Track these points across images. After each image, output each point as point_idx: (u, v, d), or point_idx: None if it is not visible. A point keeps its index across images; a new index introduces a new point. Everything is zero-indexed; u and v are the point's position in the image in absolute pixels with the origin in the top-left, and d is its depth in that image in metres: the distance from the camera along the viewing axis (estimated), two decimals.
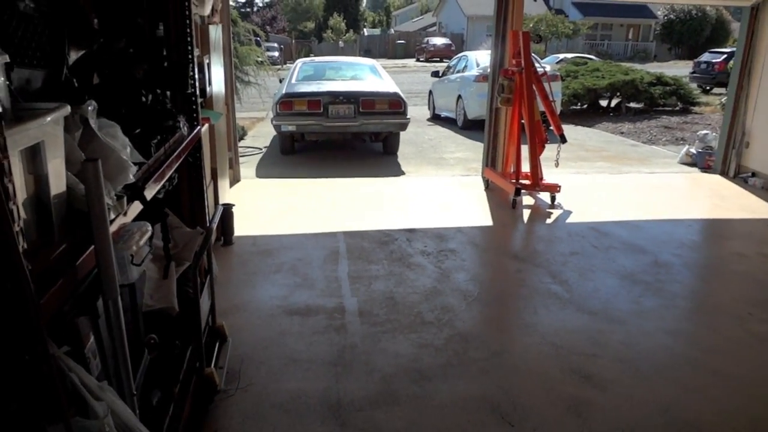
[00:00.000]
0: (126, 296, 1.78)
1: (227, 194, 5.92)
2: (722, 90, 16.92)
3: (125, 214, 1.67)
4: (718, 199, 6.77)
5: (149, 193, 1.92)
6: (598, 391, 3.02)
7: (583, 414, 2.83)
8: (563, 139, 6.30)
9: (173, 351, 2.21)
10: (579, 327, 3.67)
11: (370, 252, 4.89)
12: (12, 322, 1.04)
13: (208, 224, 2.85)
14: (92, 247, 1.39)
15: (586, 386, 3.06)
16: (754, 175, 7.36)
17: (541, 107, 6.26)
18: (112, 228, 1.51)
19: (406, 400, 2.91)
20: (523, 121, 6.31)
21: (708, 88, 19.42)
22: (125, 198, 1.66)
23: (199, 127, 3.05)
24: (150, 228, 1.72)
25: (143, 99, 2.21)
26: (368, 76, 10.02)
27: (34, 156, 1.26)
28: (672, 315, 3.92)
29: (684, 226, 5.77)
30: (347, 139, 9.72)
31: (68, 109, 1.38)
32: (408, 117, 8.57)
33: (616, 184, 7.38)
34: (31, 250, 1.17)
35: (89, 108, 1.60)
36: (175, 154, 2.40)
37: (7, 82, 1.29)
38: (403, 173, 8.18)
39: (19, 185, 1.18)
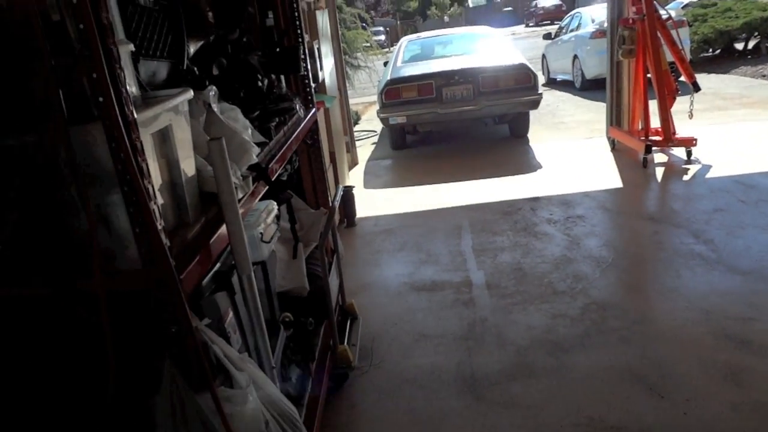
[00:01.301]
0: (259, 274, 1.83)
1: (346, 177, 6.02)
2: None
3: (252, 194, 1.71)
4: None
5: (273, 174, 1.96)
6: (758, 357, 2.73)
7: (743, 383, 2.57)
8: (696, 88, 5.76)
9: (307, 329, 2.26)
10: (730, 289, 3.35)
11: (493, 224, 4.76)
12: (157, 296, 1.08)
13: (332, 204, 2.88)
14: (224, 225, 1.42)
15: (744, 353, 2.78)
16: None
17: (669, 56, 5.76)
18: (241, 207, 1.54)
19: (543, 373, 2.79)
20: (648, 74, 5.83)
21: None
22: (250, 178, 1.70)
23: (314, 110, 3.09)
24: (275, 206, 1.75)
25: (259, 84, 2.26)
26: (485, 47, 8.38)
27: (164, 140, 1.30)
28: None
29: None
30: (466, 126, 8.51)
31: (191, 93, 1.42)
32: (540, 92, 6.99)
33: (761, 133, 6.65)
34: (168, 229, 1.21)
35: (210, 93, 1.64)
36: (294, 135, 2.44)
37: (135, 72, 1.34)
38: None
39: (153, 169, 1.22)
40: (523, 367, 2.86)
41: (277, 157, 2.06)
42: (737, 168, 5.37)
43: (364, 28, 11.54)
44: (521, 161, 6.71)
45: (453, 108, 6.86)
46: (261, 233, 1.61)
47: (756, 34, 12.36)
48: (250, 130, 1.79)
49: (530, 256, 4.09)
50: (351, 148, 7.21)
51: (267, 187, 1.85)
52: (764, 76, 10.44)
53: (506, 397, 2.66)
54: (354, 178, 6.66)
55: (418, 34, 9.90)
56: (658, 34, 5.57)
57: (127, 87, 1.08)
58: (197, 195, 1.44)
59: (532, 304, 3.44)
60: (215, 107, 1.66)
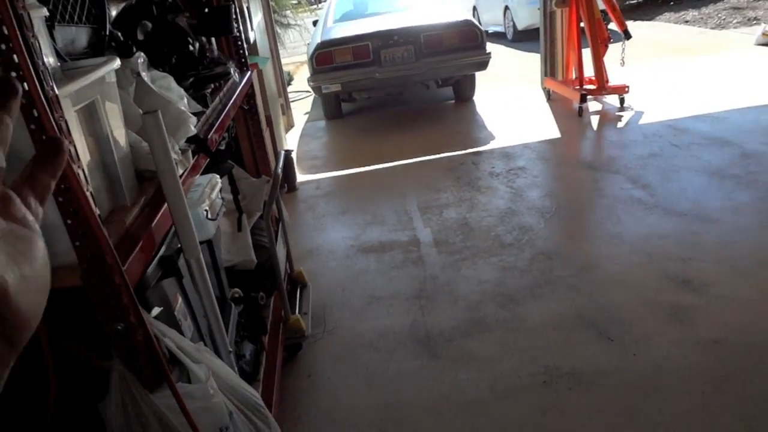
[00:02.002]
0: (206, 253, 1.73)
1: (284, 141, 5.86)
2: None
3: (193, 168, 1.60)
4: None
5: (213, 144, 1.84)
6: (698, 295, 2.85)
7: (685, 320, 2.68)
8: (627, 35, 5.84)
9: (258, 302, 2.18)
10: (669, 231, 3.46)
11: (436, 180, 4.75)
12: (100, 292, 0.98)
13: (273, 170, 2.77)
14: (165, 206, 1.31)
15: (685, 292, 2.89)
16: None
17: (600, 4, 5.80)
18: (182, 184, 1.43)
19: (497, 326, 2.83)
20: (581, 23, 5.87)
21: None
22: (190, 151, 1.58)
23: (249, 73, 2.95)
24: (219, 180, 1.64)
25: (191, 48, 2.11)
26: (424, 2, 7.62)
27: (91, 116, 1.18)
28: None
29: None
30: (407, 90, 7.65)
31: (118, 62, 1.29)
32: (488, 51, 6.35)
33: (689, 77, 6.86)
34: (104, 216, 1.10)
35: (139, 60, 1.51)
36: (232, 101, 2.31)
37: (51, 41, 1.20)
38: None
39: (82, 149, 1.10)
40: (477, 321, 2.88)
41: (215, 126, 1.94)
42: (668, 113, 5.53)
43: None
44: (461, 117, 6.70)
45: (393, 72, 6.16)
46: (206, 210, 1.51)
47: None
48: (185, 99, 1.66)
49: (475, 211, 4.11)
50: (286, 110, 7.01)
51: (208, 159, 1.73)
52: (687, 21, 10.75)
53: (462, 353, 2.68)
54: (292, 141, 6.50)
55: None
56: None
57: (44, 58, 0.96)
58: (133, 174, 1.32)
59: (480, 258, 3.46)
60: (145, 76, 1.52)
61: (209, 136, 1.81)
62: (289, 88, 9.30)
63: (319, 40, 6.37)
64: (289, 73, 10.51)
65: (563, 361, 2.53)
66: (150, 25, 2.05)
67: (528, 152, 5.09)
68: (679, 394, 2.28)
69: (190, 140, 1.62)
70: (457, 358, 2.65)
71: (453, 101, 7.42)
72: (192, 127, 1.59)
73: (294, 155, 5.20)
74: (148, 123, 1.20)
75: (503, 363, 2.58)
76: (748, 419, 2.11)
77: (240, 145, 3.05)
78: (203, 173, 1.76)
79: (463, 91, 7.21)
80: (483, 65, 6.40)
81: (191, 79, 1.94)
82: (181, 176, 1.46)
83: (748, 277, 2.94)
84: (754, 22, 9.61)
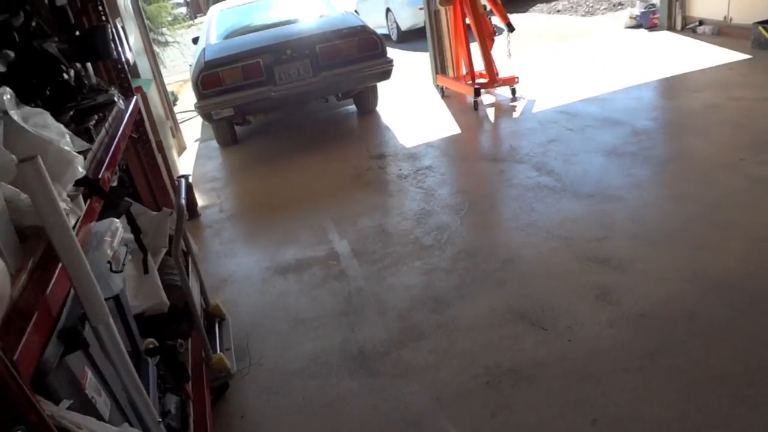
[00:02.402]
0: (113, 309, 1.52)
1: (178, 165, 5.53)
2: None
3: (87, 215, 1.39)
4: (673, 54, 6.64)
5: (106, 184, 1.63)
6: (619, 273, 2.91)
7: (612, 299, 2.73)
8: (511, 28, 6.02)
9: (178, 351, 1.98)
10: (580, 213, 3.55)
11: (346, 189, 4.64)
12: None
13: (176, 202, 2.55)
14: (59, 266, 1.11)
15: (606, 271, 2.95)
16: (701, 23, 7.22)
17: (483, 0, 5.93)
18: (78, 236, 1.23)
19: (431, 332, 2.75)
20: (466, 19, 5.97)
21: None
22: (81, 196, 1.38)
23: (135, 98, 2.70)
24: (119, 224, 1.44)
25: (65, 76, 1.87)
26: (313, 10, 6.93)
27: None
28: (667, 180, 3.83)
29: (650, 89, 5.65)
30: (306, 107, 7.28)
31: None
32: (390, 59, 5.84)
33: (571, 63, 7.17)
34: None
35: (5, 97, 1.28)
36: (120, 131, 2.08)
37: None
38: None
39: None
40: (410, 330, 2.80)
41: (106, 163, 1.72)
42: (558, 99, 5.73)
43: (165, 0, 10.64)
44: (362, 123, 6.62)
45: (290, 89, 5.56)
46: (110, 262, 1.32)
47: None
48: (67, 137, 1.44)
49: (390, 216, 4.03)
50: (176, 132, 6.65)
51: (103, 202, 1.52)
52: (558, 11, 11.29)
53: (400, 366, 2.59)
54: (186, 164, 6.16)
55: (228, 2, 7.75)
56: None
57: None
58: (14, 235, 1.11)
59: (403, 264, 3.39)
60: (15, 114, 1.30)
61: (101, 175, 1.60)
62: (176, 109, 8.86)
63: (203, 61, 5.59)
64: (173, 93, 10.03)
65: (502, 358, 2.50)
66: (12, 54, 1.80)
67: (432, 151, 5.09)
68: (620, 373, 2.30)
69: (79, 183, 1.41)
70: (396, 372, 2.55)
71: (354, 110, 7.10)
72: (80, 168, 1.39)
73: (191, 179, 4.91)
74: (26, 172, 1.00)
75: (443, 370, 2.51)
76: (687, 389, 2.16)
77: (133, 177, 2.79)
78: (98, 218, 1.54)
79: (366, 103, 6.69)
80: (386, 74, 5.88)
81: (71, 113, 1.71)
82: (74, 228, 1.25)
83: (660, 249, 3.05)
84: (619, 7, 10.25)
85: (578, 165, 4.19)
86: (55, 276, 1.09)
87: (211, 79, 5.48)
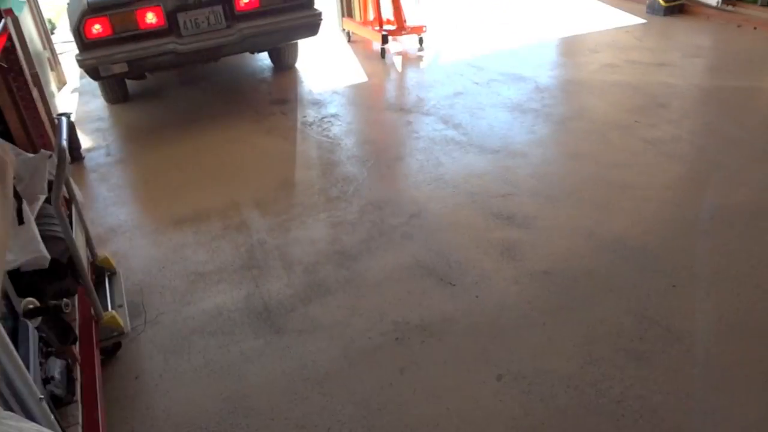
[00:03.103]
0: None
1: (56, 102, 5.01)
2: None
3: None
4: (575, 13, 6.79)
5: None
6: (523, 230, 2.96)
7: (516, 256, 2.77)
8: None
9: (63, 311, 1.76)
10: (486, 169, 3.56)
11: (247, 135, 4.39)
12: None
13: (56, 143, 2.26)
14: None
15: (511, 227, 2.99)
16: None
17: None
18: None
19: (338, 287, 2.68)
20: None
21: None
22: None
23: (3, 21, 2.33)
24: None
25: None
26: None
27: None
28: (567, 138, 3.92)
29: (552, 47, 5.77)
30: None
31: None
32: (318, 9, 4.96)
33: (475, 16, 7.15)
34: None
35: None
36: None
37: None
38: None
39: None
40: (316, 285, 2.71)
41: None
42: (465, 52, 5.71)
43: None
44: (262, 64, 6.26)
45: (197, 42, 4.55)
46: None
47: None
48: None
49: (294, 165, 3.87)
50: (55, 64, 6.00)
51: None
52: None
53: (307, 322, 2.50)
54: (67, 101, 5.59)
55: None
56: None
57: None
58: None
59: (309, 216, 3.27)
60: None
61: None
62: (54, 38, 7.99)
63: (85, 1, 4.37)
64: (50, 21, 9.02)
65: (411, 314, 2.47)
66: None
67: (338, 98, 4.93)
68: (525, 329, 2.34)
69: None
70: (303, 328, 2.46)
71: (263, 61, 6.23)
72: None
73: (73, 118, 4.45)
74: None
75: (352, 326, 2.45)
76: (586, 344, 2.24)
77: (4, 114, 2.45)
78: None
79: (285, 58, 5.73)
80: (314, 28, 4.98)
81: None
82: None
83: (561, 207, 3.13)
84: None
85: (484, 119, 4.20)
86: None
87: (97, 26, 4.38)
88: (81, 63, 4.43)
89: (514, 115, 4.23)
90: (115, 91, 5.28)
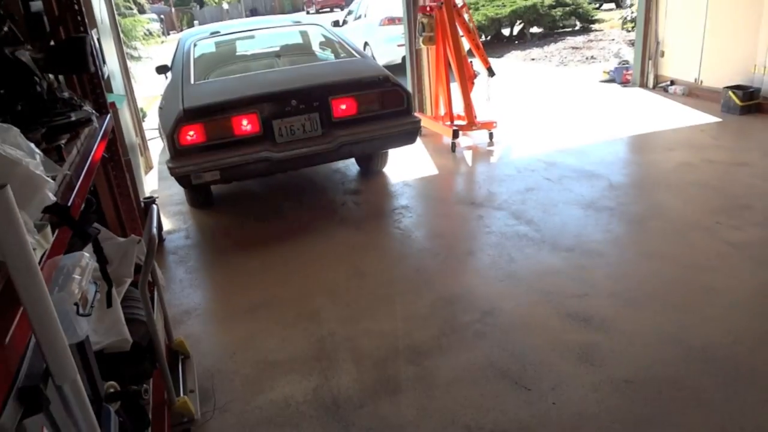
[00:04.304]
0: (74, 351, 1.34)
1: (144, 185, 5.30)
2: (611, 5, 17.24)
3: (54, 248, 1.22)
4: (647, 111, 6.78)
5: (77, 211, 1.46)
6: (602, 333, 2.83)
7: (596, 361, 2.63)
8: (491, 73, 6.04)
9: (141, 397, 1.78)
10: (560, 267, 3.47)
11: (319, 222, 4.48)
12: None
13: (146, 230, 2.36)
14: (20, 310, 0.95)
15: (588, 330, 2.86)
16: (672, 83, 7.42)
17: (465, 43, 5.95)
18: (43, 272, 1.06)
19: (409, 385, 2.60)
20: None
21: (598, 5, 19.75)
22: (48, 227, 1.21)
23: (110, 116, 2.53)
24: (88, 259, 1.27)
25: (38, 88, 1.70)
26: (318, 49, 5.89)
27: None
28: (645, 237, 3.80)
29: (624, 144, 5.72)
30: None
31: None
32: (416, 117, 4.80)
33: (546, 111, 7.25)
34: None
35: None
36: (93, 151, 1.91)
37: None
38: None
39: None
40: (386, 381, 2.64)
41: (78, 187, 1.55)
42: (536, 147, 5.74)
43: (141, 13, 10.45)
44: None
45: (293, 150, 4.31)
46: (76, 304, 1.15)
47: (519, 21, 13.63)
48: (38, 158, 1.28)
49: (365, 255, 3.89)
50: (144, 150, 6.41)
51: (72, 232, 1.35)
52: (533, 59, 11.53)
53: (376, 420, 2.42)
54: (151, 183, 5.92)
55: (206, 30, 6.08)
56: (456, 22, 5.71)
57: None
58: None
59: (379, 308, 3.25)
60: None
61: (71, 201, 1.43)
62: (144, 125, 8.59)
63: (180, 107, 4.22)
64: (142, 109, 9.76)
65: (484, 419, 2.36)
66: None
67: (409, 190, 5.00)
68: None
69: (47, 210, 1.24)
70: (372, 427, 2.39)
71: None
72: (50, 195, 1.22)
73: (157, 201, 4.69)
74: None
75: (422, 428, 2.36)
76: None
77: (100, 199, 2.60)
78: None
79: (375, 164, 5.42)
80: (412, 136, 4.71)
81: (43, 130, 1.54)
82: (40, 263, 1.09)
83: (642, 310, 2.98)
84: (592, 60, 10.51)
85: (557, 216, 4.14)
86: (14, 324, 0.92)
87: (191, 132, 4.20)
88: (173, 171, 4.21)
89: (588, 213, 4.15)
90: (201, 196, 5.04)
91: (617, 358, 2.64)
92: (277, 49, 5.77)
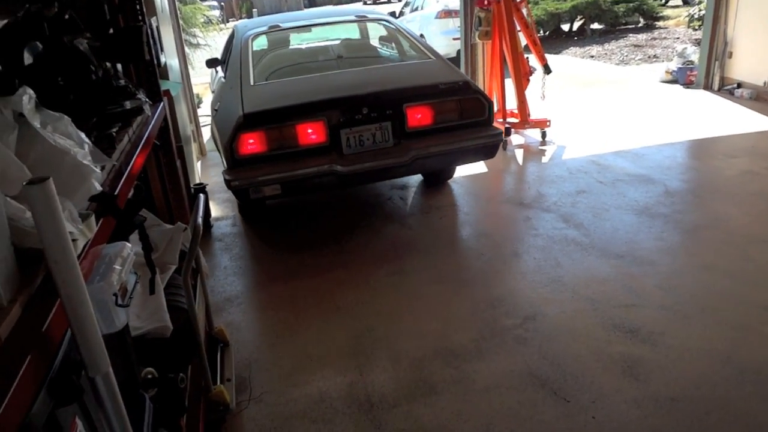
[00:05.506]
0: (112, 339, 1.36)
1: (196, 172, 5.40)
2: (678, 1, 16.59)
3: (96, 237, 1.24)
4: (709, 114, 6.50)
5: (123, 199, 1.48)
6: (649, 346, 2.73)
7: (640, 376, 2.54)
8: (548, 70, 5.91)
9: (178, 386, 1.81)
10: (608, 275, 3.37)
11: (365, 216, 4.48)
12: None
13: (192, 218, 2.39)
14: (58, 301, 0.96)
15: (634, 342, 2.76)
16: (739, 86, 7.09)
17: (522, 39, 5.83)
18: (83, 264, 1.08)
19: (445, 388, 2.57)
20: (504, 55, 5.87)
21: (664, 1, 19.06)
22: (93, 216, 1.22)
23: (162, 103, 2.58)
24: (130, 250, 1.29)
25: (93, 77, 1.73)
26: (389, 48, 5.29)
27: None
28: (700, 248, 3.64)
29: (684, 149, 5.50)
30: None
31: None
32: (498, 129, 4.21)
33: (604, 111, 7.04)
34: None
35: (24, 98, 1.14)
36: (144, 140, 1.94)
37: None
38: None
39: None
40: (422, 383, 2.62)
41: (125, 176, 1.58)
42: (589, 148, 5.58)
43: (201, 0, 10.64)
44: None
45: (362, 163, 3.83)
46: (116, 294, 1.16)
47: (580, 17, 13.27)
48: (87, 147, 1.30)
49: (410, 252, 3.87)
50: (197, 136, 6.53)
51: (116, 221, 1.37)
52: (592, 56, 11.21)
53: (410, 421, 2.40)
54: (204, 171, 6.03)
55: (262, 21, 5.50)
56: (513, 17, 5.59)
57: None
58: (12, 258, 0.96)
59: (417, 308, 3.22)
60: (33, 118, 1.16)
61: (118, 190, 1.45)
62: (199, 111, 8.76)
63: (240, 113, 3.77)
64: (198, 95, 9.97)
65: (520, 427, 2.31)
66: (41, 46, 1.67)
67: (457, 187, 4.93)
68: None
69: (93, 199, 1.26)
70: (405, 428, 2.37)
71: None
72: (96, 184, 1.24)
73: (207, 188, 4.77)
74: (33, 195, 0.85)
75: None
76: None
77: (150, 185, 2.65)
78: (110, 237, 1.39)
79: (444, 174, 4.93)
80: (492, 151, 4.20)
81: (94, 119, 1.57)
82: (82, 252, 1.10)
83: (693, 325, 2.86)
84: (654, 59, 10.15)
85: (608, 221, 4.02)
86: (52, 313, 0.94)
87: (252, 140, 3.74)
88: (230, 184, 3.75)
89: (641, 219, 4.01)
90: (256, 210, 4.61)
91: (663, 374, 2.54)
92: (343, 46, 5.28)
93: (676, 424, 2.27)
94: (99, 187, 1.26)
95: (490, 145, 4.12)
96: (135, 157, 1.76)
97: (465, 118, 4.07)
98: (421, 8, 11.75)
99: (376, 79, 4.21)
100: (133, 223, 1.59)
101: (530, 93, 5.98)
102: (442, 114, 4.02)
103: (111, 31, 2.27)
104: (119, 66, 2.41)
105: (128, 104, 1.88)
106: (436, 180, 4.96)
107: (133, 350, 1.65)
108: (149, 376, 1.76)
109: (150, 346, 1.98)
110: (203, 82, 11.61)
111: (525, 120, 5.83)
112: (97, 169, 1.27)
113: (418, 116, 3.98)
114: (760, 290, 3.10)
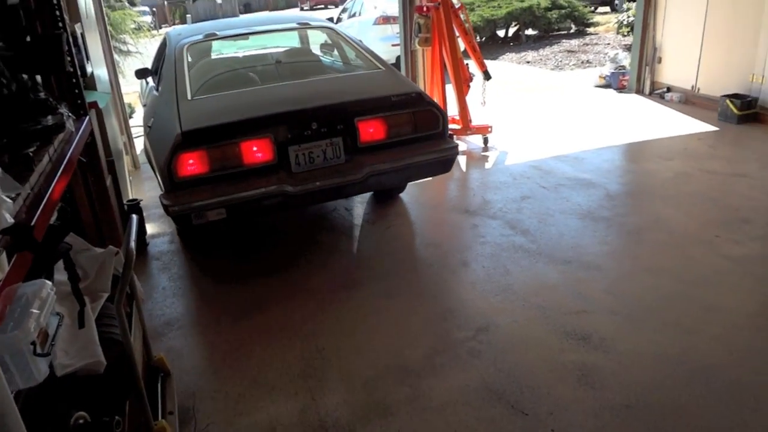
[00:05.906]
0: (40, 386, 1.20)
1: (129, 188, 5.13)
2: (607, 8, 17.20)
3: (9, 276, 1.08)
4: (643, 118, 6.70)
5: (41, 229, 1.32)
6: (601, 353, 2.73)
7: (595, 384, 2.52)
8: (487, 76, 5.95)
9: (111, 425, 1.64)
10: (557, 281, 3.37)
11: (307, 227, 4.35)
12: None
13: (124, 241, 2.21)
14: None
15: (587, 349, 2.76)
16: (669, 90, 7.35)
17: (461, 45, 5.84)
18: None
19: (400, 407, 2.48)
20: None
21: (593, 8, 19.72)
22: (4, 253, 1.07)
23: (87, 117, 2.39)
24: (51, 288, 1.14)
25: (4, 91, 1.55)
26: (332, 55, 5.17)
27: None
28: (643, 250, 3.70)
29: (621, 152, 5.63)
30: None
31: None
32: (455, 143, 4.05)
33: (542, 116, 7.15)
34: None
35: None
36: (67, 159, 1.77)
37: None
38: None
39: None
40: (377, 404, 2.52)
41: (45, 201, 1.41)
42: (531, 153, 5.64)
43: (131, 5, 10.24)
44: None
45: (313, 182, 3.56)
46: (33, 343, 1.01)
47: (515, 23, 13.54)
48: None
49: (355, 264, 3.77)
50: (129, 149, 6.23)
51: (33, 255, 1.22)
52: (528, 62, 11.44)
53: None
54: (138, 186, 5.74)
55: (197, 29, 4.95)
56: (453, 23, 5.59)
57: None
58: None
59: (369, 322, 3.12)
60: None
61: (35, 220, 1.29)
62: (131, 122, 8.39)
63: (177, 131, 3.39)
64: (130, 105, 9.56)
65: None
66: None
67: (401, 195, 4.86)
68: None
69: (5, 232, 1.11)
70: None
71: None
72: (7, 216, 1.09)
73: (142, 202, 4.53)
74: None
75: None
76: None
77: (78, 206, 2.45)
78: (29, 274, 1.23)
79: (395, 190, 4.77)
80: (447, 165, 4.01)
81: (4, 140, 1.40)
82: None
83: (642, 329, 2.88)
84: (587, 64, 10.44)
85: (553, 226, 4.03)
86: None
87: (192, 161, 3.39)
88: (168, 209, 3.36)
89: (585, 223, 4.05)
90: (197, 235, 4.26)
91: (617, 380, 2.54)
92: (287, 55, 5.05)
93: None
94: (10, 219, 1.10)
95: (445, 159, 3.94)
96: (56, 179, 1.59)
97: (419, 131, 3.88)
98: (359, 14, 11.70)
99: (324, 92, 3.96)
100: (56, 253, 1.43)
101: (471, 99, 5.99)
102: (395, 128, 3.81)
103: (27, 39, 2.07)
104: (38, 78, 2.21)
105: (49, 120, 1.70)
106: (389, 195, 4.80)
107: (61, 394, 1.48)
108: (81, 422, 1.60)
109: (81, 385, 1.80)
110: (135, 90, 11.17)
111: (467, 126, 5.84)
112: (8, 200, 1.11)
113: (371, 130, 3.75)
114: (702, 290, 3.17)
